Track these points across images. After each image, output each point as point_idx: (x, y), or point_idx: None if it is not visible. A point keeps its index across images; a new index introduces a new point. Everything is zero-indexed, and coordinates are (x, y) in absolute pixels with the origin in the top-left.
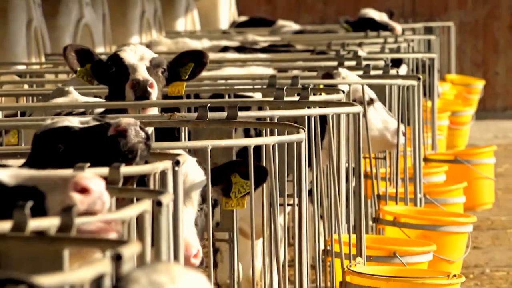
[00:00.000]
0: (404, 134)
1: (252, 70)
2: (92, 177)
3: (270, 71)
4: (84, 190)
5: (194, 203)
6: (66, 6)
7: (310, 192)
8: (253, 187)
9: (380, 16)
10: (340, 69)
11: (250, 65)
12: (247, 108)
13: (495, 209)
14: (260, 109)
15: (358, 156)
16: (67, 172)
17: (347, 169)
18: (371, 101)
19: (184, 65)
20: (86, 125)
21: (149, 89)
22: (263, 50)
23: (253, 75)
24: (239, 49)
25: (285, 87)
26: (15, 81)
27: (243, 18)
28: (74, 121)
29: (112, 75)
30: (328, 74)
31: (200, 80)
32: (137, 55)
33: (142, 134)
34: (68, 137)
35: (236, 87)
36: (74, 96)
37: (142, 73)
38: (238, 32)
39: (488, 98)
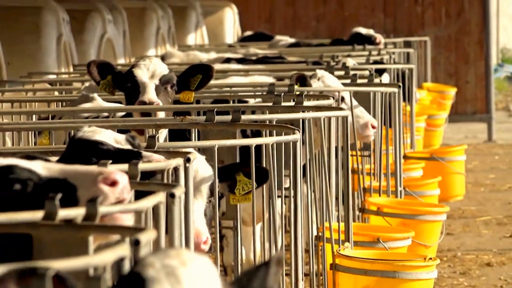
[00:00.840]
0: (374, 127)
1: (254, 79)
2: (119, 171)
3: (270, 79)
4: (113, 183)
5: (204, 196)
6: (91, 23)
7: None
8: (254, 185)
9: (367, 31)
10: (318, 70)
11: (251, 74)
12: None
13: (465, 200)
14: (258, 112)
15: (346, 153)
16: (93, 167)
17: (336, 165)
18: (342, 99)
19: (193, 76)
20: (120, 146)
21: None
22: (258, 61)
23: (255, 83)
24: (240, 61)
25: (282, 94)
26: (47, 89)
27: (249, 33)
28: (108, 137)
29: (127, 89)
30: (302, 76)
31: (208, 88)
32: (149, 72)
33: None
34: (102, 153)
35: (239, 93)
36: (98, 101)
37: (149, 95)
38: (241, 46)
39: (459, 103)
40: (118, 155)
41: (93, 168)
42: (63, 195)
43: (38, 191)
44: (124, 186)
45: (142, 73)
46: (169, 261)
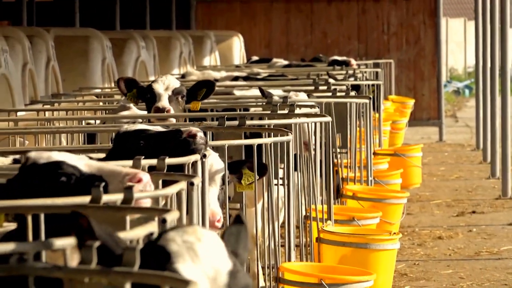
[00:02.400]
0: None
1: (256, 92)
2: (142, 172)
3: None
4: (138, 181)
5: (217, 184)
6: (128, 48)
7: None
8: (256, 176)
9: (342, 58)
10: (291, 93)
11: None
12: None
13: (421, 187)
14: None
15: (328, 151)
16: (123, 168)
17: (321, 160)
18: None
19: (200, 89)
20: (161, 130)
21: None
22: (264, 79)
23: (257, 95)
24: (246, 78)
25: (278, 104)
26: (93, 100)
27: (255, 58)
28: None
29: (147, 99)
30: (261, 90)
31: (220, 99)
32: (165, 85)
33: (204, 138)
34: (148, 136)
35: (244, 103)
36: (134, 110)
37: (163, 102)
38: (245, 66)
39: (417, 111)
40: (163, 135)
41: (123, 169)
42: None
43: (79, 184)
44: (147, 182)
45: (158, 86)
46: (188, 237)
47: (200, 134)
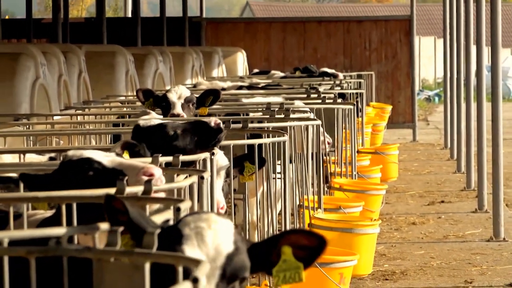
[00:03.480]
0: (329, 143)
1: (258, 99)
2: (155, 167)
3: (267, 100)
4: (151, 175)
5: (222, 177)
6: (148, 62)
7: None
8: (257, 169)
9: (330, 71)
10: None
11: (255, 96)
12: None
13: (398, 180)
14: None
15: (318, 149)
16: (140, 163)
17: (312, 157)
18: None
19: (207, 97)
20: (186, 121)
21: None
22: (263, 87)
23: (257, 102)
24: (248, 87)
25: (276, 109)
26: (119, 106)
27: (256, 70)
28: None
29: (163, 106)
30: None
31: (225, 105)
32: (177, 94)
33: (223, 128)
34: (177, 126)
35: (247, 109)
36: (153, 115)
37: (177, 109)
38: (248, 77)
39: (394, 116)
40: (191, 125)
41: (140, 164)
42: (113, 179)
43: (103, 177)
44: (159, 177)
45: (172, 96)
46: (200, 223)
47: (221, 124)
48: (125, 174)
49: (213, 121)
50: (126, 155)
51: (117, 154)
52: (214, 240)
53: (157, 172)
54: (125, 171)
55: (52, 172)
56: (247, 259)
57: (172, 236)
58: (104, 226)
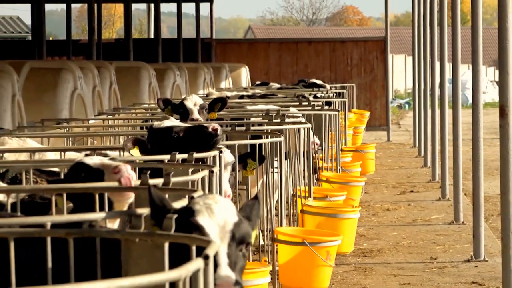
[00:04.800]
0: (317, 144)
1: (258, 107)
2: (126, 165)
3: (266, 107)
4: (119, 171)
5: (228, 171)
6: (167, 76)
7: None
8: (257, 165)
9: (320, 82)
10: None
11: (257, 104)
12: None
13: (375, 174)
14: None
15: (309, 148)
16: (112, 162)
17: (303, 154)
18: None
19: (216, 104)
20: (188, 125)
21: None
22: (261, 96)
23: (258, 109)
24: (250, 96)
25: (273, 115)
26: (143, 112)
27: (258, 82)
28: (173, 123)
29: (180, 113)
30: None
31: (231, 111)
32: (192, 102)
33: (222, 134)
34: (181, 129)
35: (249, 114)
36: (172, 119)
37: (195, 115)
38: (250, 88)
39: (371, 120)
40: (192, 129)
41: (112, 163)
42: (100, 176)
43: (90, 177)
44: (128, 174)
45: (188, 103)
46: (208, 201)
47: (219, 129)
48: (103, 172)
49: (210, 127)
50: (136, 149)
51: (129, 148)
52: (221, 211)
53: (126, 169)
54: (103, 170)
55: (66, 173)
56: (250, 227)
57: (186, 212)
58: (132, 211)
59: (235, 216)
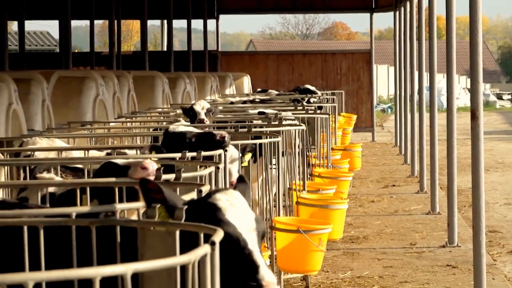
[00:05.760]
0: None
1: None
2: (151, 162)
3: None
4: (144, 168)
5: (237, 163)
6: (178, 83)
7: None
8: (257, 161)
9: (312, 88)
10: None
11: (257, 108)
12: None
13: (361, 170)
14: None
15: (303, 147)
16: (138, 160)
17: (298, 152)
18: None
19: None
20: (199, 131)
21: (205, 123)
22: (261, 101)
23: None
24: (251, 102)
25: (272, 117)
26: (156, 115)
27: (259, 89)
28: (185, 128)
29: (190, 115)
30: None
31: (236, 115)
32: (201, 106)
33: (229, 138)
34: (193, 135)
35: (251, 117)
36: (182, 122)
37: (202, 116)
38: (252, 95)
39: (358, 122)
40: (202, 135)
41: (139, 161)
42: (126, 172)
43: (119, 173)
44: (152, 171)
45: (197, 107)
46: (228, 197)
47: (227, 137)
48: (129, 168)
49: (219, 135)
50: (153, 153)
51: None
52: (242, 208)
53: (151, 166)
54: (129, 165)
55: (96, 170)
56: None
57: (210, 209)
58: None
59: (251, 211)
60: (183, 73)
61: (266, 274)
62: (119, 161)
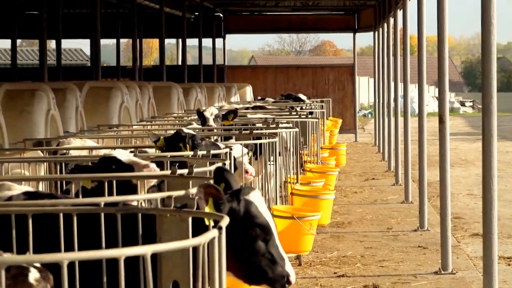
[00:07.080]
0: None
1: (259, 115)
2: (153, 164)
3: (264, 116)
4: (147, 166)
5: (247, 157)
6: (191, 92)
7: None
8: (258, 159)
9: (302, 96)
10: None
11: (258, 113)
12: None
13: (345, 166)
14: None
15: (296, 146)
16: (142, 160)
17: (293, 152)
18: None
19: (229, 114)
20: (193, 132)
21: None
22: (259, 108)
23: (258, 117)
24: (253, 108)
25: (271, 121)
26: (172, 119)
27: (259, 97)
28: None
29: (201, 119)
30: (198, 110)
31: (239, 119)
32: (209, 112)
33: (199, 140)
34: (193, 136)
35: (252, 121)
36: (194, 125)
37: (210, 122)
38: (253, 102)
39: (344, 126)
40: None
41: (142, 161)
42: (130, 170)
43: (121, 170)
44: (153, 170)
45: (207, 113)
46: (254, 194)
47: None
48: (133, 167)
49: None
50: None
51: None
52: (260, 202)
53: (152, 165)
54: (133, 165)
55: (95, 164)
56: None
57: (249, 206)
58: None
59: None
60: (195, 84)
61: (290, 268)
62: (122, 157)
